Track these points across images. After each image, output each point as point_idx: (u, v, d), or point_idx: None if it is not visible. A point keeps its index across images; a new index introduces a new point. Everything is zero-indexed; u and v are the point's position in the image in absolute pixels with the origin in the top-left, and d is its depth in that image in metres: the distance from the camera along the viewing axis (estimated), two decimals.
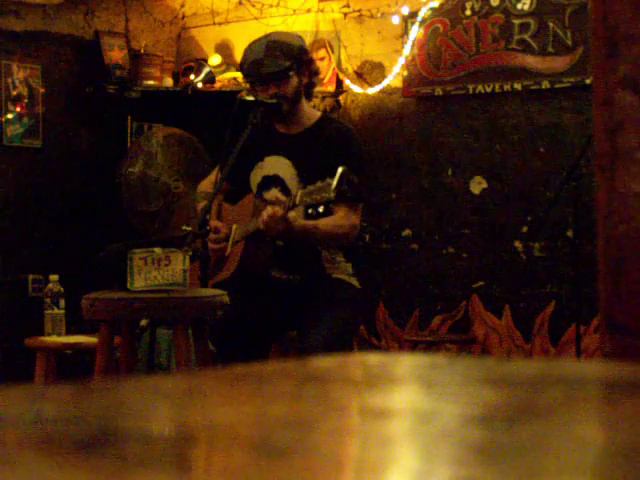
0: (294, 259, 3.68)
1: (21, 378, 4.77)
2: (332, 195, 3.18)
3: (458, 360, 1.04)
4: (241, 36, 5.69)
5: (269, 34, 3.81)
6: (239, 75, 5.58)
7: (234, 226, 3.72)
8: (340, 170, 3.17)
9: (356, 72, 5.63)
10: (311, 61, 3.76)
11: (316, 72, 3.79)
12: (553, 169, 5.07)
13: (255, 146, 3.70)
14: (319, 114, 3.86)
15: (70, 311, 4.32)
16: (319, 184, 3.25)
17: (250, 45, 3.73)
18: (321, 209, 3.27)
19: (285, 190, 3.69)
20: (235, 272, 3.66)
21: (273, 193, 3.71)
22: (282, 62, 3.62)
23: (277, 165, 3.73)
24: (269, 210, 3.40)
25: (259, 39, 3.74)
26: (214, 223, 3.70)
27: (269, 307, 3.67)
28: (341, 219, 3.55)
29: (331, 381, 0.87)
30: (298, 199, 3.32)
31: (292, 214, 3.39)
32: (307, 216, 3.39)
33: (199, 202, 3.84)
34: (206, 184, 3.94)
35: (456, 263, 5.36)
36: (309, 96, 3.82)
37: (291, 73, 3.64)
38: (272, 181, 3.73)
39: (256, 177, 3.79)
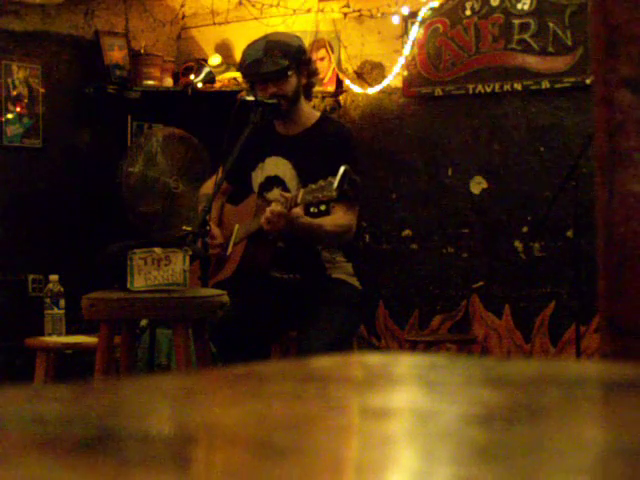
0: (294, 259, 3.69)
1: (21, 378, 4.77)
2: (335, 194, 3.18)
3: (458, 360, 1.04)
4: (241, 36, 5.69)
5: (268, 34, 3.82)
6: (239, 75, 5.57)
7: (236, 226, 3.73)
8: (342, 169, 3.17)
9: (356, 72, 5.63)
10: (309, 61, 3.76)
11: (315, 72, 3.80)
12: (553, 169, 5.07)
13: (256, 147, 3.70)
14: (318, 114, 3.86)
15: (70, 311, 4.31)
16: (321, 182, 3.25)
17: (249, 46, 3.74)
18: (323, 207, 3.27)
19: (286, 191, 3.69)
20: (236, 272, 3.66)
21: (275, 193, 3.71)
22: (281, 61, 3.62)
23: (277, 166, 3.73)
24: (271, 207, 3.40)
25: (258, 39, 3.74)
26: (212, 229, 3.69)
27: (269, 307, 3.67)
28: (340, 219, 3.56)
29: (331, 381, 0.87)
30: (300, 198, 3.32)
31: (296, 210, 3.38)
32: (308, 214, 3.39)
33: (200, 204, 3.85)
34: (208, 186, 3.94)
35: (456, 263, 5.35)
36: (308, 96, 3.83)
37: (290, 72, 3.64)
38: (273, 182, 3.74)
39: (258, 178, 3.79)
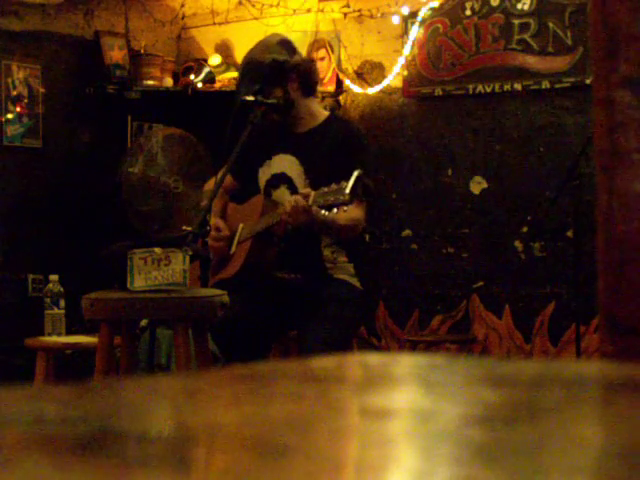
0: (296, 259, 3.69)
1: (21, 378, 4.77)
2: (347, 198, 3.16)
3: (458, 360, 1.04)
4: (241, 36, 5.69)
5: (250, 51, 3.78)
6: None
7: (240, 225, 3.73)
8: (355, 173, 3.16)
9: (356, 72, 5.63)
10: (295, 65, 3.70)
11: (308, 69, 3.74)
12: (553, 169, 5.07)
13: (263, 144, 3.71)
14: (327, 113, 3.86)
15: (70, 311, 4.32)
16: (334, 186, 3.23)
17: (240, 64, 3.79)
18: (335, 211, 3.26)
19: (292, 188, 3.69)
20: (239, 271, 3.66)
21: (282, 190, 3.71)
22: (252, 87, 3.63)
23: (284, 163, 3.73)
24: (295, 198, 3.38)
25: (244, 56, 3.76)
26: (217, 221, 3.70)
27: (271, 306, 3.67)
28: (352, 212, 3.53)
29: (331, 381, 0.87)
30: (311, 200, 3.30)
31: (314, 207, 3.36)
32: None
33: (204, 200, 3.85)
34: (212, 183, 3.94)
35: (456, 263, 5.36)
36: (310, 94, 3.79)
37: (267, 89, 3.63)
38: (280, 179, 3.74)
39: (264, 175, 3.79)
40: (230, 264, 3.73)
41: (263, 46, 3.78)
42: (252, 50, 3.78)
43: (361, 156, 3.63)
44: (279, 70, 3.66)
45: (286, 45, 3.76)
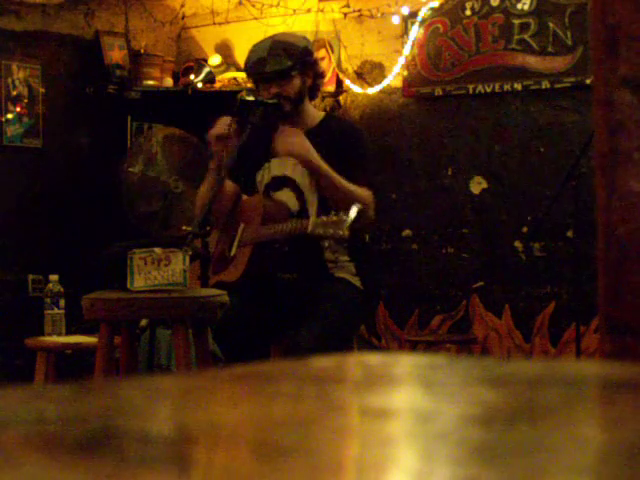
0: (298, 259, 3.68)
1: (21, 378, 4.77)
2: (346, 233, 3.17)
3: (458, 360, 1.04)
4: (241, 36, 5.69)
5: (275, 34, 3.82)
6: (239, 75, 5.58)
7: (242, 226, 3.71)
8: (355, 209, 3.17)
9: (356, 72, 5.63)
10: (316, 63, 3.75)
11: (321, 74, 3.79)
12: (553, 169, 5.07)
13: (261, 147, 3.70)
14: (322, 113, 3.87)
15: (70, 311, 4.31)
16: (334, 217, 3.23)
17: (255, 45, 3.74)
18: (331, 243, 3.28)
19: (296, 190, 3.69)
20: (241, 276, 3.66)
21: (285, 192, 3.71)
22: (284, 61, 3.61)
23: (285, 166, 3.73)
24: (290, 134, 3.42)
25: (265, 39, 3.74)
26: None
27: (272, 306, 3.67)
28: (359, 188, 3.54)
29: (331, 381, 0.87)
30: (310, 228, 3.30)
31: (312, 219, 3.37)
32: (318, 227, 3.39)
33: (198, 209, 3.83)
34: (203, 193, 3.87)
35: (456, 263, 5.35)
36: (313, 97, 3.82)
37: (294, 73, 3.64)
38: (282, 182, 3.73)
39: (263, 178, 3.78)
40: (231, 267, 3.72)
41: (291, 35, 3.85)
42: (277, 34, 3.81)
43: (362, 150, 3.65)
44: (307, 59, 3.68)
45: (310, 43, 3.82)
